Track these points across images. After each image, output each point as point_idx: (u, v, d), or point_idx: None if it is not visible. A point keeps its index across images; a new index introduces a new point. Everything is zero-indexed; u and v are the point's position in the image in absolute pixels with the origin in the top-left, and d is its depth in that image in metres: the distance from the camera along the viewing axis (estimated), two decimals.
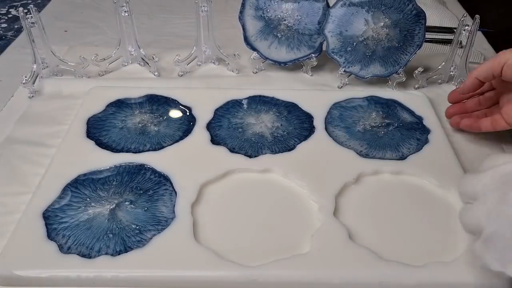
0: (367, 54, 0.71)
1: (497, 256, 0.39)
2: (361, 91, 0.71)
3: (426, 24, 0.71)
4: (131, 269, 0.46)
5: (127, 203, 0.52)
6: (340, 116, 0.66)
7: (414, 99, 0.69)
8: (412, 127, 0.64)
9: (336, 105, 0.67)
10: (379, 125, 0.64)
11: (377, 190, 0.55)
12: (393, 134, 0.63)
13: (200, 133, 0.62)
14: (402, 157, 0.59)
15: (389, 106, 0.68)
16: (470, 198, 0.46)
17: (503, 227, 0.39)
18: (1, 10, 1.05)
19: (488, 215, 0.41)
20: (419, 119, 0.65)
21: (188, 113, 0.66)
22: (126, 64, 0.79)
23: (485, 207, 0.42)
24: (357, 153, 0.59)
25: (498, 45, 0.87)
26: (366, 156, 0.59)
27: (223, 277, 0.46)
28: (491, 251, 0.40)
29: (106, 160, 0.57)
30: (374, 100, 0.69)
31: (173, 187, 0.54)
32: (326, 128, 0.63)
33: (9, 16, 1.03)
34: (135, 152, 0.59)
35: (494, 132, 0.62)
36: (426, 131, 0.63)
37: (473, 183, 0.46)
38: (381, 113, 0.66)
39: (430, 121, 0.65)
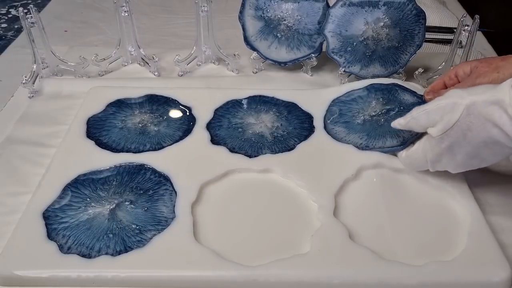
0: (367, 54, 0.71)
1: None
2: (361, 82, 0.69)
3: (426, 24, 0.71)
4: (131, 269, 0.46)
5: (127, 203, 0.52)
6: (339, 112, 0.65)
7: (415, 87, 0.67)
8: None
9: (336, 101, 0.67)
10: (379, 113, 0.63)
11: (377, 190, 0.55)
12: (393, 120, 0.61)
13: (200, 133, 0.62)
14: (404, 142, 0.58)
15: (390, 91, 0.66)
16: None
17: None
18: (1, 10, 1.05)
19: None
20: (421, 98, 0.63)
21: (188, 113, 0.66)
22: (126, 64, 0.79)
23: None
24: (356, 147, 0.59)
25: (498, 45, 0.87)
26: (366, 147, 0.59)
27: (223, 277, 0.46)
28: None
29: (106, 160, 0.57)
30: (374, 88, 0.67)
31: (173, 187, 0.54)
32: (325, 127, 0.63)
33: (9, 16, 1.03)
34: (135, 152, 0.59)
35: None
36: None
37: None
38: (381, 100, 0.65)
39: None
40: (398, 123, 0.55)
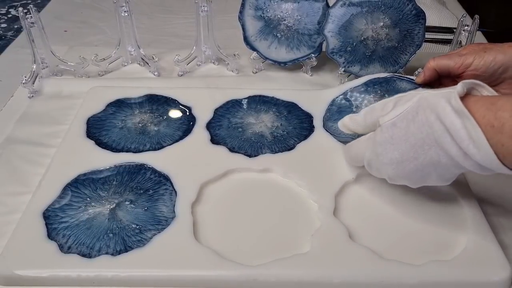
0: (367, 54, 0.71)
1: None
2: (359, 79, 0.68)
3: (426, 24, 0.71)
4: (131, 268, 0.46)
5: (127, 202, 0.52)
6: (338, 110, 0.65)
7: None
8: None
9: (335, 100, 0.67)
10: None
11: (377, 189, 0.55)
12: None
13: (200, 133, 0.62)
14: None
15: (388, 82, 0.66)
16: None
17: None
18: (1, 10, 1.05)
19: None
20: (419, 85, 0.63)
21: (188, 113, 0.66)
22: (126, 64, 0.79)
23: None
24: (353, 138, 0.59)
25: None
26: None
27: (223, 276, 0.46)
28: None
29: (106, 160, 0.57)
30: (372, 82, 0.66)
31: (173, 187, 0.54)
32: (324, 125, 0.63)
33: (9, 16, 1.03)
34: (135, 152, 0.59)
35: None
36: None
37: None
38: (379, 92, 0.65)
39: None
40: (351, 119, 0.54)
